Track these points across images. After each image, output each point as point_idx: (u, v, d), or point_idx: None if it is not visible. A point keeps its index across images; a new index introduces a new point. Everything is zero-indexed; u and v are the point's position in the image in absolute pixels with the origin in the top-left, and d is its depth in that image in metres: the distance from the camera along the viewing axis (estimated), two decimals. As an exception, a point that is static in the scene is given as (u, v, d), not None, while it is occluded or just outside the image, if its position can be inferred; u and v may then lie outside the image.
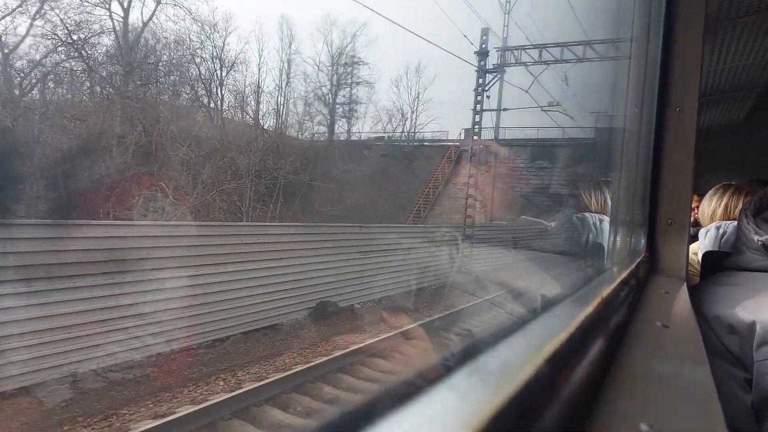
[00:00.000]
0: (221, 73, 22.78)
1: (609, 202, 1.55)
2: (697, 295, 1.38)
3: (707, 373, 0.60)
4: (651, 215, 1.43)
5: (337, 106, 31.49)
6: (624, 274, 0.90)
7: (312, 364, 6.10)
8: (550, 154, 26.51)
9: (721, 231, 1.81)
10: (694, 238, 2.16)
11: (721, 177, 2.32)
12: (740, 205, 1.94)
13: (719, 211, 2.01)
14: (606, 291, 0.66)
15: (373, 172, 26.17)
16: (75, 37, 14.84)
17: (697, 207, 2.31)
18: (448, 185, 26.19)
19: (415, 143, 30.94)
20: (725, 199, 2.01)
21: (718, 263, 1.54)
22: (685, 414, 0.47)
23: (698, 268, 1.83)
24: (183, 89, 20.52)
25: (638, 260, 1.20)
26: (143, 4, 18.09)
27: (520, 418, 0.29)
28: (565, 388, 0.37)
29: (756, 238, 1.39)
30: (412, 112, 33.89)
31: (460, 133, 30.99)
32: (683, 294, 1.18)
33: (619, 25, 1.62)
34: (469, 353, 0.37)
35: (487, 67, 21.43)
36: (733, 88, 5.21)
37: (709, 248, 1.82)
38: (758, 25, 3.57)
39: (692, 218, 2.25)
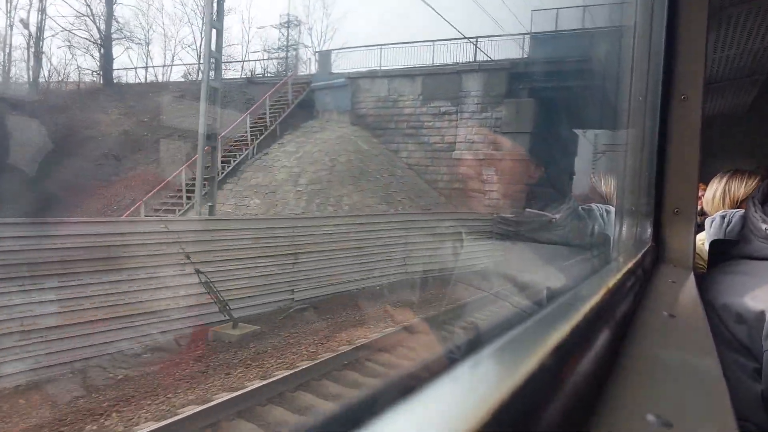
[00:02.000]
0: None
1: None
2: (704, 284, 1.37)
3: (715, 363, 0.60)
4: (657, 204, 1.42)
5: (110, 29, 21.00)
6: (630, 264, 0.89)
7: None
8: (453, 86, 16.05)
9: (726, 220, 1.80)
10: (701, 227, 2.15)
11: (727, 164, 2.30)
12: (742, 188, 1.94)
13: (719, 194, 2.01)
14: (612, 281, 0.66)
15: (138, 129, 17.02)
16: None
17: (704, 195, 2.30)
18: (272, 146, 16.08)
19: (240, 80, 20.81)
20: (725, 182, 2.01)
21: (725, 252, 1.53)
22: (693, 404, 0.47)
23: (705, 257, 1.82)
24: None
25: (644, 250, 1.20)
26: None
27: (526, 410, 0.29)
28: (570, 379, 0.37)
29: (764, 226, 1.38)
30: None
31: (308, 62, 20.23)
32: (690, 283, 1.18)
33: (622, 12, 1.61)
34: (474, 345, 0.36)
35: None
36: (739, 74, 5.16)
37: (715, 237, 1.81)
38: (763, 11, 3.53)
39: (698, 207, 2.24)
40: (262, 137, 16.61)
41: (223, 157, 15.11)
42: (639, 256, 1.06)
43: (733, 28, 3.83)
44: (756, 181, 2.02)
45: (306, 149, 15.75)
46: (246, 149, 16.12)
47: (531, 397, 0.30)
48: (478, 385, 0.30)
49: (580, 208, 1.60)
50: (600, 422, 0.40)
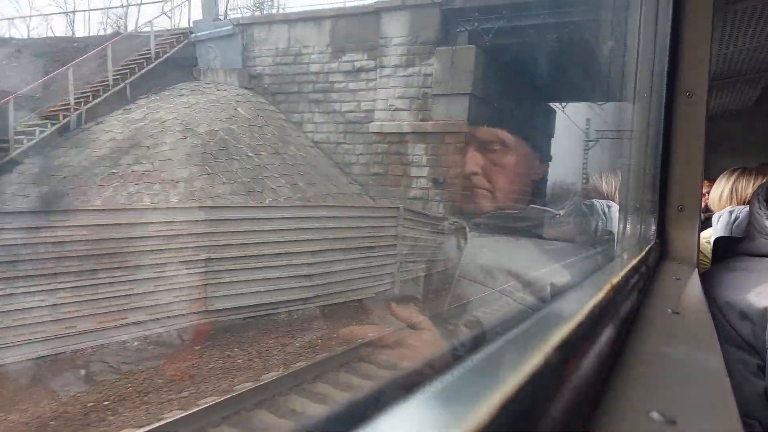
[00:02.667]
0: None
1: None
2: (708, 281, 1.37)
3: (719, 360, 0.60)
4: (661, 201, 1.42)
5: None
6: (634, 261, 0.89)
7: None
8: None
9: (733, 216, 1.80)
10: (705, 224, 2.14)
11: (732, 161, 2.30)
12: (750, 187, 1.93)
13: (726, 192, 2.00)
14: (616, 278, 0.66)
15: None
16: None
17: (708, 193, 2.30)
18: (114, 112, 12.03)
19: (107, 35, 15.73)
20: (733, 181, 2.00)
21: (729, 249, 1.53)
22: (697, 401, 0.47)
23: (709, 255, 1.82)
24: None
25: (648, 247, 1.19)
26: None
27: (530, 407, 0.29)
28: (574, 376, 0.37)
29: None
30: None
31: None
32: (694, 280, 1.17)
33: (627, 8, 1.60)
34: (478, 342, 0.36)
35: None
36: (744, 71, 5.14)
37: (722, 233, 1.81)
38: (770, 7, 3.51)
39: (703, 204, 2.24)
40: (96, 101, 12.08)
41: (26, 126, 11.22)
42: (643, 253, 1.06)
43: (738, 25, 3.81)
44: (764, 179, 2.01)
45: (156, 116, 11.60)
46: (68, 116, 11.56)
47: (535, 394, 0.30)
48: (481, 382, 0.30)
49: (582, 204, 1.60)
50: (604, 419, 0.39)
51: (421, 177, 10.98)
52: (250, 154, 11.07)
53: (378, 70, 12.12)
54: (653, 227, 1.40)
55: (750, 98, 6.26)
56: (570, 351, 0.38)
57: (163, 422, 4.66)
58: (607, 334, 0.50)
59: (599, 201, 1.55)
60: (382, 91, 11.99)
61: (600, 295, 0.55)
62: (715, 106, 6.28)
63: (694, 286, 1.11)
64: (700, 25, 1.38)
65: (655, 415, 0.40)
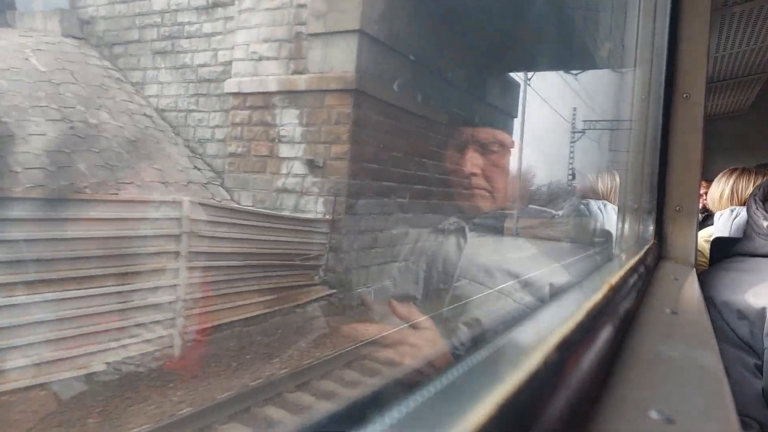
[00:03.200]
0: None
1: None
2: (706, 281, 1.37)
3: (717, 359, 0.60)
4: (659, 202, 1.42)
5: None
6: (632, 261, 0.90)
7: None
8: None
9: (734, 214, 1.81)
10: (702, 224, 2.15)
11: (729, 162, 2.30)
12: (750, 187, 1.94)
13: (726, 192, 2.00)
14: (614, 278, 0.66)
15: None
16: None
17: (705, 193, 2.31)
18: None
19: None
20: (732, 181, 2.01)
21: (727, 249, 1.54)
22: (695, 400, 0.47)
23: (707, 254, 1.83)
24: None
25: (646, 247, 1.20)
26: None
27: (530, 405, 0.29)
28: (573, 375, 0.37)
29: (765, 223, 1.38)
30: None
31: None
32: (692, 280, 1.18)
33: (625, 11, 1.60)
34: (477, 342, 0.36)
35: None
36: (741, 73, 5.15)
37: (723, 231, 1.82)
38: (767, 9, 3.52)
39: (701, 205, 2.24)
40: None
41: None
42: (641, 253, 1.07)
43: (735, 27, 3.82)
44: (763, 178, 2.01)
45: None
46: None
47: (534, 394, 0.30)
48: (480, 381, 0.30)
49: (581, 204, 1.60)
50: (603, 418, 0.40)
51: (294, 158, 7.63)
52: (4, 120, 7.10)
53: (237, 3, 8.57)
54: (651, 227, 1.40)
55: (747, 100, 6.28)
56: (569, 351, 0.38)
57: (166, 421, 4.61)
58: (605, 334, 0.50)
59: (596, 201, 1.56)
60: (242, 33, 8.34)
61: (598, 295, 0.55)
62: (713, 107, 6.30)
63: (692, 286, 1.11)
64: (698, 27, 1.39)
65: (653, 414, 0.40)
